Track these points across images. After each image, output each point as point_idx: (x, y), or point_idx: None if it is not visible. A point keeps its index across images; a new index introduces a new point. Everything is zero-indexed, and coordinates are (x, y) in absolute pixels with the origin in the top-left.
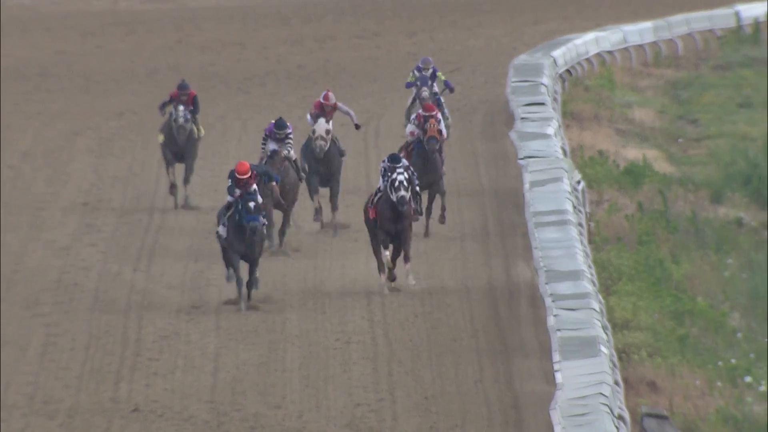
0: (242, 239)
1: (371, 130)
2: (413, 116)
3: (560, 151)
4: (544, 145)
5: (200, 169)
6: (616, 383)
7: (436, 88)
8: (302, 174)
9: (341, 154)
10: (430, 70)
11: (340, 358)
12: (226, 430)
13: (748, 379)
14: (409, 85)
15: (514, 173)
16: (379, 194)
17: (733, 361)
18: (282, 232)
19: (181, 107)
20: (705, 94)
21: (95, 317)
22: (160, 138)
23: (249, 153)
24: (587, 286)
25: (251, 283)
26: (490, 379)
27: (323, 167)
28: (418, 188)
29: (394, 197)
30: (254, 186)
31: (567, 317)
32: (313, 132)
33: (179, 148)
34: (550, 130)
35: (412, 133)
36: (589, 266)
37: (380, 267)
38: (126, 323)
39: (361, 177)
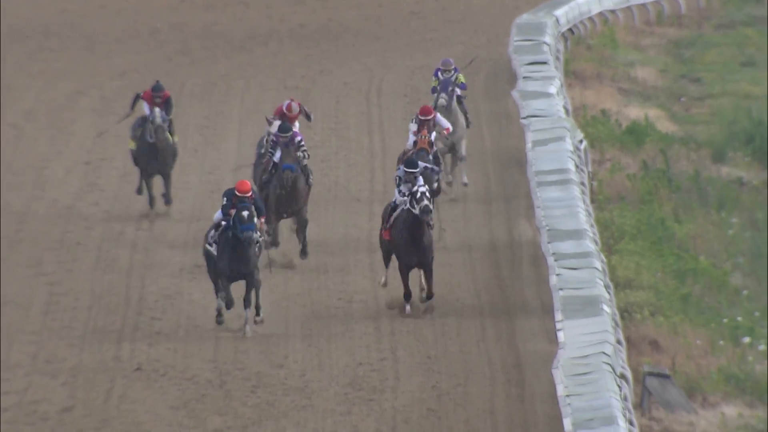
0: (235, 256)
1: (374, 89)
2: (413, 116)
3: (563, 110)
4: (547, 104)
5: (203, 129)
6: (619, 342)
7: (459, 91)
8: (311, 182)
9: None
10: (452, 71)
11: (342, 318)
12: (228, 389)
13: (747, 339)
14: (433, 90)
15: (516, 132)
16: (396, 211)
17: (739, 319)
18: (303, 250)
19: (157, 108)
20: (708, 53)
21: (98, 277)
22: (131, 145)
23: (252, 113)
24: (589, 245)
25: (248, 301)
26: (492, 339)
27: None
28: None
29: (417, 209)
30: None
31: (569, 276)
32: (268, 133)
33: (154, 156)
34: (553, 90)
35: (415, 133)
36: (592, 225)
37: (386, 265)
38: (129, 283)
39: (363, 135)
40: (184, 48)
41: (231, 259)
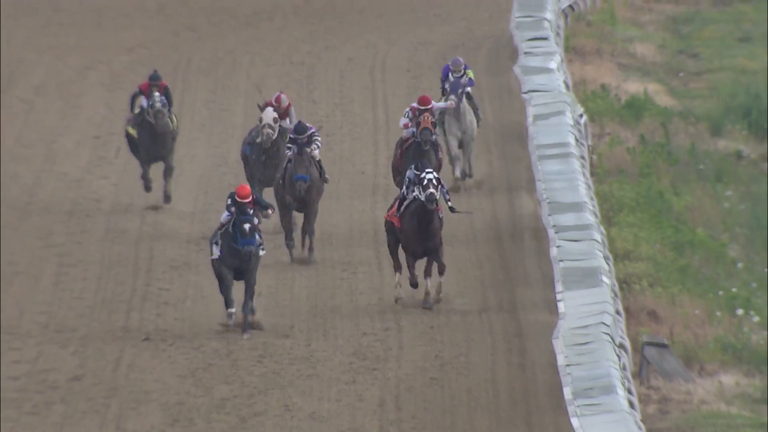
0: (237, 256)
1: (378, 64)
2: (407, 109)
3: (563, 85)
4: (548, 79)
5: (210, 103)
6: (618, 313)
7: (469, 89)
8: (326, 176)
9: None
10: (462, 71)
11: (347, 288)
12: (235, 358)
13: (740, 311)
14: (443, 91)
15: (517, 107)
16: (405, 202)
17: (734, 290)
18: (309, 233)
19: (156, 94)
20: (705, 28)
21: (107, 248)
22: (132, 131)
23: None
24: (589, 217)
25: (247, 305)
26: (494, 309)
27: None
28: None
29: (422, 196)
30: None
31: (569, 248)
32: (260, 120)
33: (154, 142)
34: (553, 65)
35: (406, 126)
36: (591, 198)
37: (396, 266)
38: (137, 254)
39: (367, 110)
40: (190, 23)
41: (232, 256)
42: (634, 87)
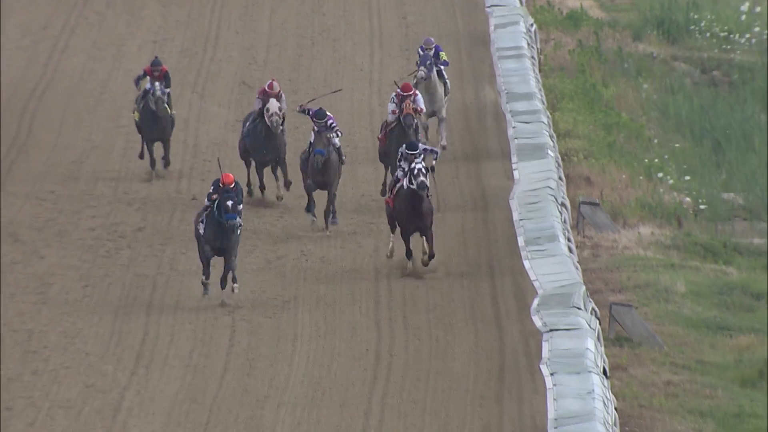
0: (219, 235)
1: (374, 11)
2: (393, 94)
3: (517, 1)
4: None
5: (243, 16)
6: (560, 179)
7: (442, 67)
8: (344, 158)
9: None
10: (433, 50)
11: (350, 159)
12: (261, 214)
13: (660, 175)
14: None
15: (482, 18)
16: (398, 185)
17: (646, 161)
18: (328, 213)
19: (157, 83)
20: None
21: None
22: (136, 116)
23: (277, 30)
24: (538, 104)
25: (226, 275)
26: (463, 176)
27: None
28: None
29: (414, 184)
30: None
31: (523, 128)
32: (267, 110)
33: (155, 124)
34: None
35: (393, 112)
36: (540, 89)
37: (392, 228)
38: (186, 134)
39: (365, 20)
40: None
41: (215, 235)
42: (572, 3)
